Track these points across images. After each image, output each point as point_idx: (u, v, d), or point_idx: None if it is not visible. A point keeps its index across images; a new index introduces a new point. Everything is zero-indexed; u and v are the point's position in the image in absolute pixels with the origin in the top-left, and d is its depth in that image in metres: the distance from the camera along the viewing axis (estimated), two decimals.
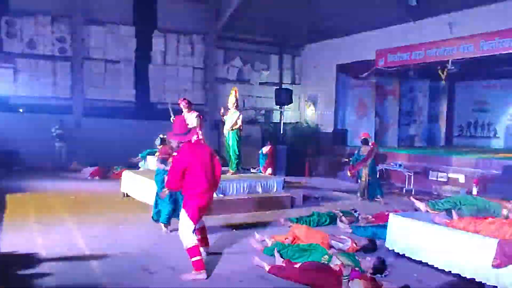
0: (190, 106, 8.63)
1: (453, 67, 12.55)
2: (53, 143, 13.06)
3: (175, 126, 5.15)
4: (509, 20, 10.55)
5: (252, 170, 11.33)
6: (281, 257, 5.27)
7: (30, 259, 5.16)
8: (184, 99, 8.79)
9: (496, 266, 4.39)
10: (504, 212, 5.28)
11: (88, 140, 12.98)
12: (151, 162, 10.17)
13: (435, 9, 12.42)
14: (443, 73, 13.14)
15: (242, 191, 8.61)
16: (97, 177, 11.80)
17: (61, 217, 7.38)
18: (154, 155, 9.74)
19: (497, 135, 17.55)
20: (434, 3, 12.44)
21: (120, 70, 14.39)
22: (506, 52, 10.72)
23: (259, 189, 8.83)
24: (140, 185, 8.62)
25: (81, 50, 13.80)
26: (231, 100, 9.41)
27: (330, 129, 16.09)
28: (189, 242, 4.72)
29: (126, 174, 9.36)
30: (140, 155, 11.17)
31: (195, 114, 8.50)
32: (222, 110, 9.54)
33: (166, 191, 5.34)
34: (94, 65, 14.13)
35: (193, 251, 4.68)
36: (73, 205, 8.36)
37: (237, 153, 9.43)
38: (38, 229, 6.51)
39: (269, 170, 11.70)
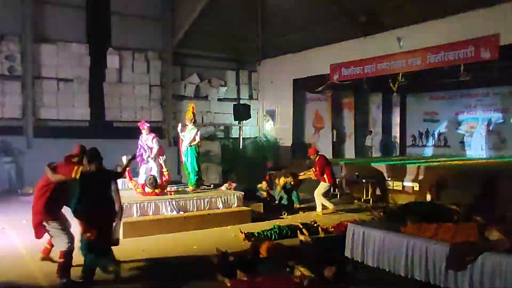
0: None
1: (403, 80, 13.09)
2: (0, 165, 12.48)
3: None
4: (453, 35, 11.11)
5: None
6: (243, 271, 5.23)
7: None
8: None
9: (450, 268, 4.55)
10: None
11: (41, 162, 12.40)
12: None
13: (384, 24, 12.93)
14: (394, 86, 13.66)
15: (202, 207, 8.57)
16: None
17: (12, 241, 7.03)
18: None
19: (447, 144, 18.37)
20: (383, 19, 12.98)
21: (74, 88, 13.98)
22: (451, 64, 11.31)
23: (220, 205, 8.80)
24: None
25: (32, 69, 13.34)
26: (189, 116, 9.40)
27: (289, 143, 16.26)
28: None
29: None
30: None
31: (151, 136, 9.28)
32: (179, 127, 9.48)
33: None
34: (46, 84, 13.66)
35: None
36: (25, 230, 7.97)
37: (197, 169, 9.38)
38: None
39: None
